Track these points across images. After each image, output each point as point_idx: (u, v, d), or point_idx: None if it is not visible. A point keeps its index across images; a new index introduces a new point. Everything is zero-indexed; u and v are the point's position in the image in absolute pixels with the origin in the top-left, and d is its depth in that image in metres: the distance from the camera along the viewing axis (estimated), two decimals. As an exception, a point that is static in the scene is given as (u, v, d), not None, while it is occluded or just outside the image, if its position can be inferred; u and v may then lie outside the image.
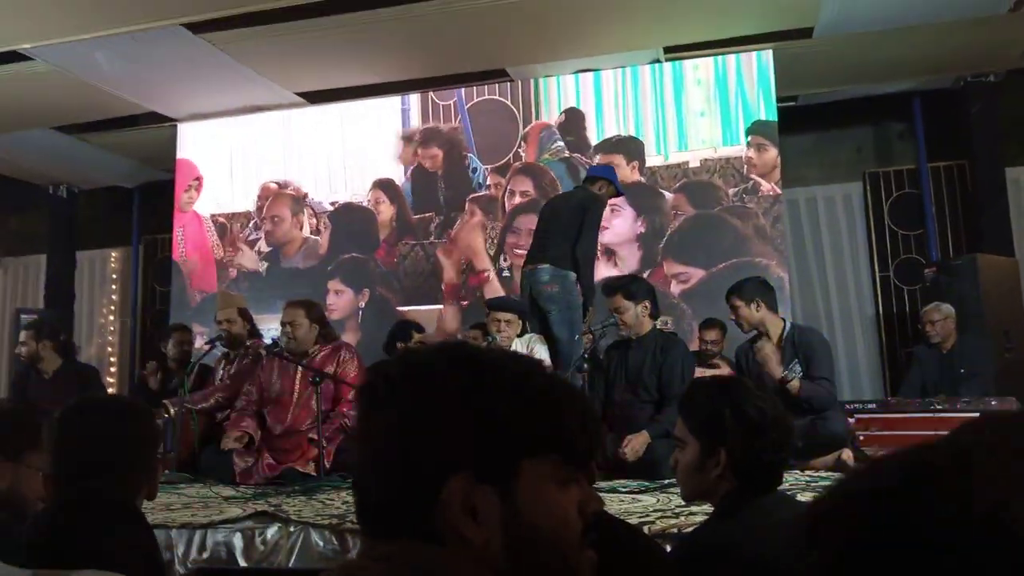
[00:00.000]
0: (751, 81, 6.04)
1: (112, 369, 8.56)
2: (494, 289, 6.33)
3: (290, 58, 5.98)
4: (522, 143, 6.49)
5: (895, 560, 0.56)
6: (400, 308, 6.56)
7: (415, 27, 5.46)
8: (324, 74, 6.36)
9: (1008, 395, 4.44)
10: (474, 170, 6.59)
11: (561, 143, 6.39)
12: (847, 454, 3.48)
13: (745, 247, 5.89)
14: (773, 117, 5.99)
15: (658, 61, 6.24)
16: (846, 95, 6.73)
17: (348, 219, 6.87)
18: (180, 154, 7.35)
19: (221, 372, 4.54)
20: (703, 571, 1.53)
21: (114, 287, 8.80)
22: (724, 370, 4.88)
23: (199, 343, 6.01)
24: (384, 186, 6.80)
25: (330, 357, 4.04)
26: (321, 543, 2.56)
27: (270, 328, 5.38)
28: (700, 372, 4.45)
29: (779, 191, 5.97)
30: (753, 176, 5.97)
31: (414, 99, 6.78)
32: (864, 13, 5.29)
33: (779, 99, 6.06)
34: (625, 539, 1.26)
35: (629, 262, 6.07)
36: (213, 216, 7.24)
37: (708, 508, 1.75)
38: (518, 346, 4.53)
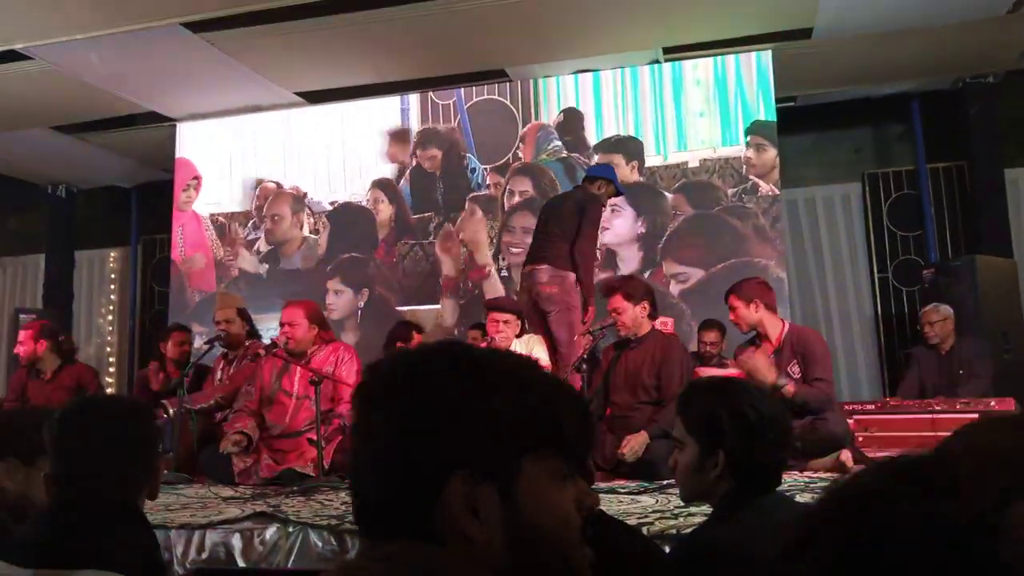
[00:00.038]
0: (750, 82, 6.04)
1: (111, 369, 8.56)
2: (494, 285, 6.34)
3: (289, 57, 5.98)
4: (520, 143, 6.49)
5: (890, 564, 0.60)
6: (399, 308, 6.56)
7: (414, 27, 5.46)
8: (323, 74, 6.35)
9: (1006, 396, 4.44)
10: (473, 170, 6.59)
11: (559, 143, 6.40)
12: (846, 455, 3.48)
13: (744, 247, 5.89)
14: (772, 117, 6.00)
15: (657, 62, 6.25)
16: (845, 96, 6.74)
17: (347, 219, 6.87)
18: (179, 153, 7.35)
19: (220, 373, 4.54)
20: (702, 572, 1.53)
21: (113, 287, 8.79)
22: (734, 371, 4.82)
23: (198, 343, 6.01)
24: (383, 186, 6.80)
25: (329, 358, 4.04)
26: (320, 543, 2.56)
27: (269, 328, 5.38)
28: (711, 372, 4.42)
29: (777, 191, 5.98)
30: (752, 176, 5.97)
31: (413, 99, 6.78)
32: (863, 14, 5.30)
33: (778, 100, 6.07)
34: (624, 540, 1.26)
35: (630, 263, 6.08)
36: (212, 216, 7.24)
37: (707, 509, 1.75)
38: (517, 347, 4.53)
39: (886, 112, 6.92)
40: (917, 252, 6.77)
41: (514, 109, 6.54)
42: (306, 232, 6.98)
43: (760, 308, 3.92)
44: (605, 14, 5.35)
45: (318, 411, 3.68)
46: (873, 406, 4.74)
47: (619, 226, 6.12)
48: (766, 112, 6.00)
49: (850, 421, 4.09)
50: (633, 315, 3.91)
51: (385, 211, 6.77)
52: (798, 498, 2.67)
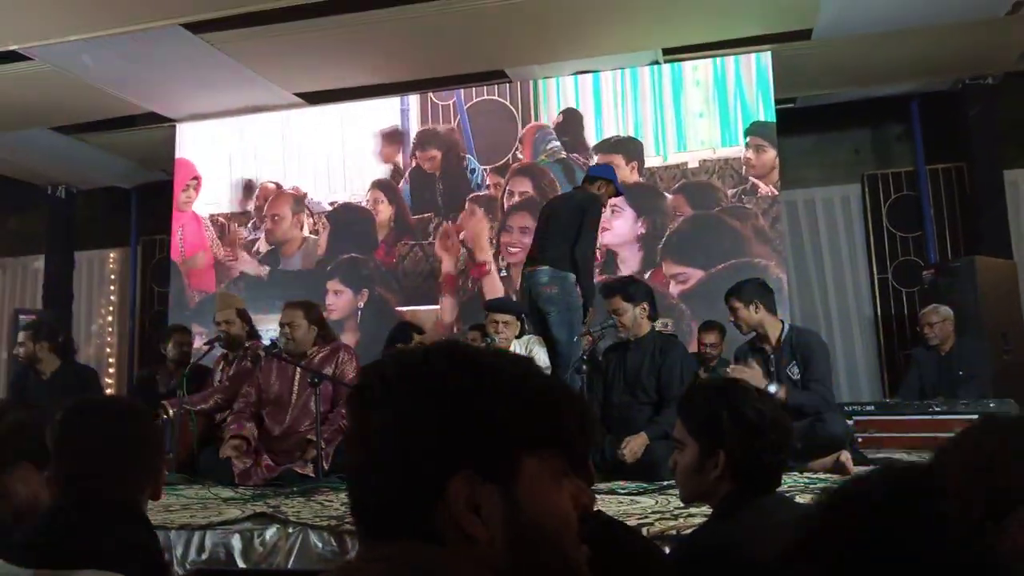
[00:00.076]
0: (750, 83, 6.05)
1: (111, 370, 8.56)
2: (493, 282, 6.36)
3: (289, 58, 5.98)
4: (519, 144, 6.50)
5: (889, 567, 0.64)
6: (399, 308, 6.57)
7: (414, 28, 5.46)
8: (323, 75, 6.36)
9: (1006, 397, 4.45)
10: (472, 171, 6.60)
11: (557, 143, 6.41)
12: (845, 456, 3.48)
13: (744, 248, 5.90)
14: (771, 118, 6.00)
15: (657, 63, 6.25)
16: (845, 97, 6.74)
17: (346, 219, 6.88)
18: (178, 154, 7.35)
19: (219, 374, 4.54)
20: (702, 573, 1.53)
21: (112, 288, 8.79)
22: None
23: (198, 343, 6.01)
24: (383, 186, 6.81)
25: (328, 358, 4.04)
26: (320, 544, 2.56)
27: (269, 329, 5.38)
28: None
29: (777, 192, 5.98)
30: (752, 177, 5.98)
31: (413, 99, 6.78)
32: (863, 15, 5.30)
33: (778, 101, 6.07)
34: (623, 541, 1.26)
35: (630, 263, 6.09)
36: (212, 216, 7.24)
37: (707, 510, 1.75)
38: (516, 348, 4.54)
39: (886, 113, 6.93)
40: (917, 253, 6.77)
41: (514, 110, 6.55)
42: (306, 232, 6.99)
43: (760, 309, 3.92)
44: (605, 15, 5.35)
45: (318, 412, 3.68)
46: (873, 407, 4.76)
47: (619, 227, 6.13)
48: (766, 113, 6.01)
49: (850, 422, 4.10)
50: (633, 316, 3.91)
51: (385, 212, 6.78)
52: (798, 499, 2.67)
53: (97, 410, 1.63)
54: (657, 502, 2.93)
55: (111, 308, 8.76)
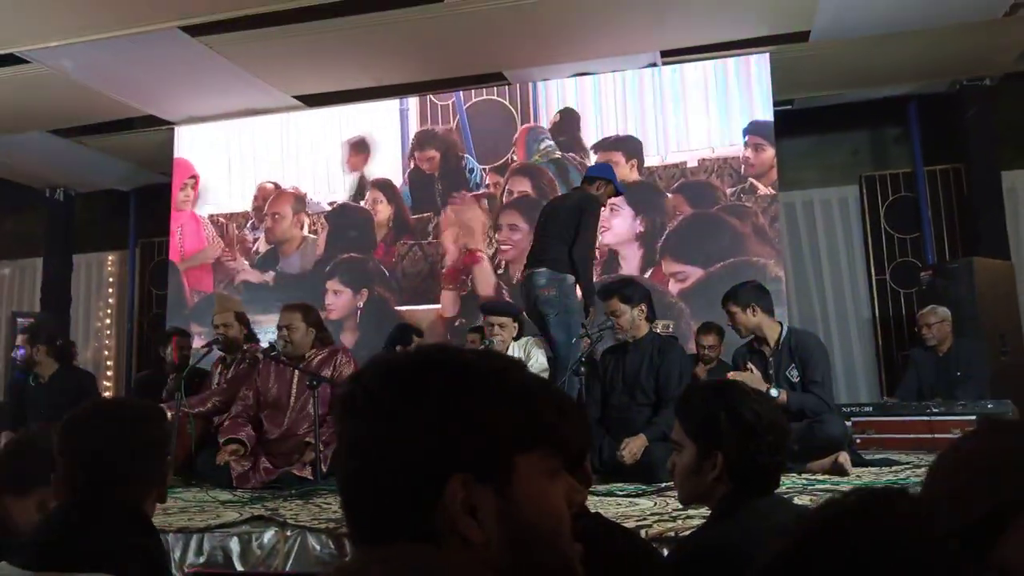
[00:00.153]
0: (748, 83, 6.06)
1: (109, 373, 8.55)
2: (485, 273, 6.38)
3: (287, 61, 5.99)
4: (514, 145, 6.52)
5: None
6: (398, 308, 6.58)
7: (412, 31, 5.47)
8: (321, 77, 6.36)
9: (1003, 398, 4.46)
10: (471, 170, 6.62)
11: (551, 143, 6.42)
12: (844, 457, 3.48)
13: (743, 246, 5.92)
14: (769, 117, 6.02)
15: (655, 65, 6.26)
16: (842, 99, 6.75)
17: (345, 219, 6.88)
18: (177, 154, 7.36)
19: (218, 376, 4.54)
20: (701, 574, 1.53)
21: (110, 290, 8.79)
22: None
23: (197, 343, 6.02)
24: (382, 186, 6.82)
25: (327, 361, 4.04)
26: (318, 547, 2.56)
27: (267, 331, 5.38)
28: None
29: (775, 191, 6.00)
30: (751, 175, 6.00)
31: (412, 99, 6.79)
32: (860, 17, 5.31)
33: (776, 103, 6.08)
34: (621, 543, 1.26)
35: (630, 262, 6.10)
36: (211, 216, 7.25)
37: (705, 511, 1.75)
38: (515, 350, 4.54)
39: (883, 115, 6.94)
40: (915, 254, 6.78)
41: (513, 109, 6.56)
42: (305, 232, 7.00)
43: (758, 312, 3.93)
44: (602, 17, 5.36)
45: (316, 415, 3.68)
46: (871, 408, 4.76)
47: (618, 225, 6.15)
48: (764, 113, 6.02)
49: (848, 423, 4.10)
50: (631, 317, 3.91)
51: (384, 211, 6.79)
52: (796, 500, 2.68)
53: (103, 413, 1.63)
54: (655, 504, 2.93)
55: (109, 311, 8.75)
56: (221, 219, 7.22)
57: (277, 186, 7.10)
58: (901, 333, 6.65)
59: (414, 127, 6.79)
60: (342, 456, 0.77)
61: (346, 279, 6.77)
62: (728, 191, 6.02)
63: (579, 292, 4.53)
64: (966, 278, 5.54)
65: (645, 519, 2.52)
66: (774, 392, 3.69)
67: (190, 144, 7.33)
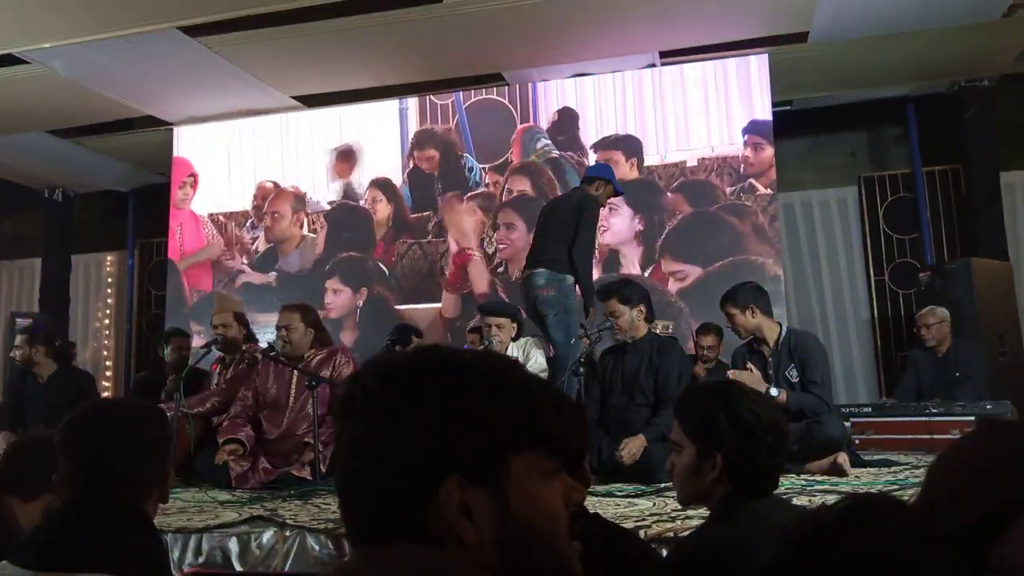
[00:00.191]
0: (747, 84, 6.07)
1: (108, 373, 8.55)
2: (479, 269, 6.40)
3: (286, 62, 5.99)
4: (511, 145, 6.53)
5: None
6: (398, 307, 6.58)
7: (411, 32, 5.47)
8: (320, 78, 6.36)
9: (1002, 398, 4.46)
10: (470, 169, 6.62)
11: (548, 142, 6.43)
12: (843, 458, 3.48)
13: (742, 245, 5.93)
14: (768, 116, 6.02)
15: (653, 65, 6.27)
16: (841, 100, 6.76)
17: (344, 218, 6.88)
18: (176, 153, 7.36)
19: (217, 376, 4.53)
20: (700, 574, 1.53)
21: (109, 291, 8.79)
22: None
23: (196, 342, 6.02)
24: (381, 185, 6.82)
25: (326, 361, 4.03)
26: (317, 547, 2.55)
27: (266, 331, 5.38)
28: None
29: (774, 191, 6.01)
30: (750, 174, 6.02)
31: (412, 99, 6.80)
32: (859, 18, 5.32)
33: (774, 103, 6.09)
34: (620, 543, 1.26)
35: (630, 261, 6.11)
36: (211, 215, 7.25)
37: (704, 512, 1.75)
38: (513, 350, 4.54)
39: (882, 116, 6.94)
40: (913, 255, 6.79)
41: (512, 108, 6.57)
42: (305, 231, 7.00)
43: (757, 313, 3.93)
44: (602, 19, 5.36)
45: (315, 415, 3.68)
46: (870, 408, 4.76)
47: (617, 225, 6.16)
48: (763, 112, 6.03)
49: (847, 424, 4.11)
50: (630, 318, 3.91)
51: (383, 210, 6.79)
52: (795, 501, 2.68)
53: (102, 413, 1.63)
54: (654, 504, 2.93)
55: (108, 311, 8.75)
56: (221, 218, 7.22)
57: (276, 185, 7.11)
58: (900, 334, 6.66)
59: (413, 126, 6.79)
60: (341, 456, 0.77)
61: (345, 278, 6.78)
62: (728, 190, 6.03)
63: (579, 292, 4.54)
64: (965, 279, 5.54)
65: (644, 519, 2.52)
66: (774, 391, 3.69)
67: (189, 143, 7.34)
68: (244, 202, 7.17)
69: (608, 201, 5.03)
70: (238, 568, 2.57)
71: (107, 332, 8.70)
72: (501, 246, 6.39)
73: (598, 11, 5.24)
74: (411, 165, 6.76)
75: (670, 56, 6.16)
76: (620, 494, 3.21)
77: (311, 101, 6.83)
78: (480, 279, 6.40)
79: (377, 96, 6.69)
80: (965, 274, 5.56)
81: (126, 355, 8.54)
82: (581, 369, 3.88)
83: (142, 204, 8.57)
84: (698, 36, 5.81)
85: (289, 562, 2.55)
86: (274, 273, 6.99)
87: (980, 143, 6.40)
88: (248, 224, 7.14)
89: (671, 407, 3.13)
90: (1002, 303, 5.68)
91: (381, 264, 6.72)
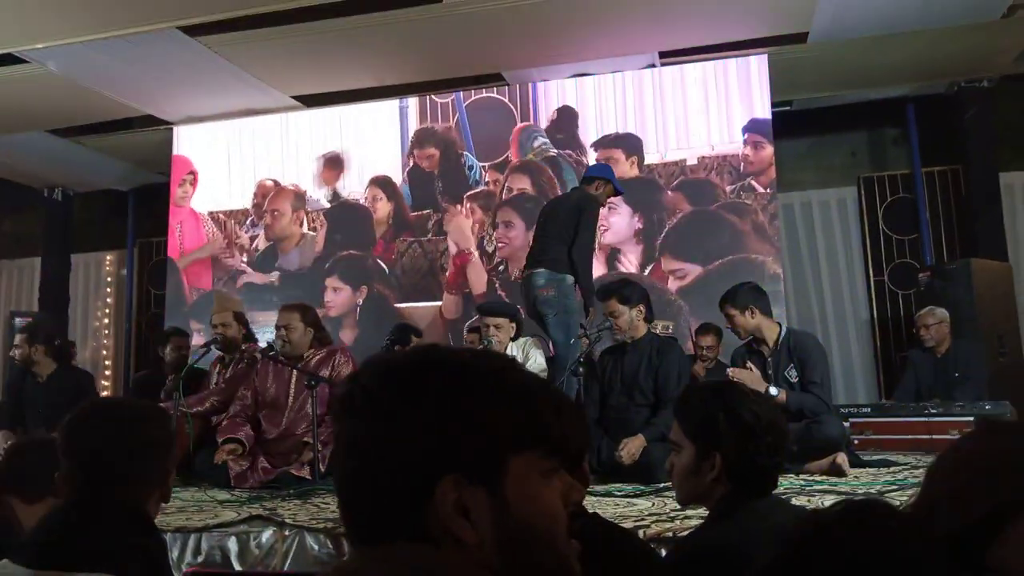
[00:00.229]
0: (747, 84, 6.08)
1: (107, 372, 8.54)
2: (476, 269, 6.40)
3: (286, 61, 5.98)
4: (510, 144, 6.54)
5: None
6: (398, 305, 6.58)
7: (411, 31, 5.47)
8: (320, 78, 6.36)
9: (1001, 399, 4.47)
10: (470, 167, 6.62)
11: (546, 141, 6.43)
12: (842, 458, 3.49)
13: (742, 243, 5.93)
14: (767, 115, 6.03)
15: (653, 66, 6.27)
16: (841, 100, 6.76)
17: (344, 217, 6.89)
18: (176, 151, 7.36)
19: (216, 376, 4.53)
20: (699, 574, 1.53)
21: (109, 290, 8.78)
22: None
23: (196, 340, 6.01)
24: (381, 183, 6.82)
25: (325, 361, 4.03)
26: (316, 547, 2.55)
27: (266, 330, 5.38)
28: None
29: (773, 190, 6.01)
30: (750, 173, 6.02)
31: (412, 97, 6.79)
32: (859, 18, 5.32)
33: (774, 104, 6.09)
34: (619, 543, 1.26)
35: (630, 259, 6.11)
36: (211, 213, 7.25)
37: (703, 512, 1.75)
38: (513, 350, 4.53)
39: (882, 116, 6.94)
40: (913, 255, 6.79)
41: (512, 107, 6.57)
42: (305, 229, 7.00)
43: (756, 314, 3.93)
44: (602, 18, 5.36)
45: (314, 414, 3.67)
46: (869, 409, 4.76)
47: (617, 224, 6.16)
48: (763, 111, 6.03)
49: (847, 424, 4.10)
50: (629, 318, 3.90)
51: (383, 208, 6.79)
52: (794, 501, 2.68)
53: (102, 413, 1.63)
54: (654, 504, 2.93)
55: (107, 311, 8.75)
56: (221, 216, 7.22)
57: (277, 183, 7.11)
58: (899, 334, 6.66)
59: (414, 125, 6.79)
60: (340, 456, 0.77)
61: (345, 276, 6.78)
62: (727, 188, 6.03)
63: (579, 292, 4.54)
64: (964, 279, 5.54)
65: (643, 519, 2.52)
66: (773, 391, 3.69)
67: (189, 142, 7.34)
68: (244, 200, 7.17)
69: (608, 200, 5.03)
70: (237, 567, 2.57)
71: (106, 331, 8.70)
72: (500, 244, 6.39)
73: (598, 11, 5.24)
74: (411, 163, 6.76)
75: (670, 56, 6.16)
76: (619, 494, 3.21)
77: (311, 101, 6.82)
78: (479, 280, 6.39)
79: (377, 96, 6.69)
80: (964, 275, 5.56)
81: (125, 354, 8.54)
82: (580, 369, 3.88)
83: (142, 203, 8.57)
84: (698, 36, 5.81)
85: (288, 562, 2.55)
86: (276, 272, 6.99)
87: (980, 144, 6.41)
88: (248, 222, 7.14)
89: (670, 407, 3.14)
90: (1001, 304, 5.68)
91: (381, 262, 6.72)
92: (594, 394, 3.96)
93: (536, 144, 6.45)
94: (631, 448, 3.54)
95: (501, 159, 6.55)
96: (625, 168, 6.15)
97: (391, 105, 6.83)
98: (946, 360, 5.02)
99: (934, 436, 4.25)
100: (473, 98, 6.68)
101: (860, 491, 3.05)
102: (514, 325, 4.63)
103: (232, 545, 2.59)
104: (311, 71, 6.19)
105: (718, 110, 6.13)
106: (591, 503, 2.89)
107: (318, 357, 4.04)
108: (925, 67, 6.15)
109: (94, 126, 7.12)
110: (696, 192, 6.11)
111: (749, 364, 3.94)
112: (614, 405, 3.92)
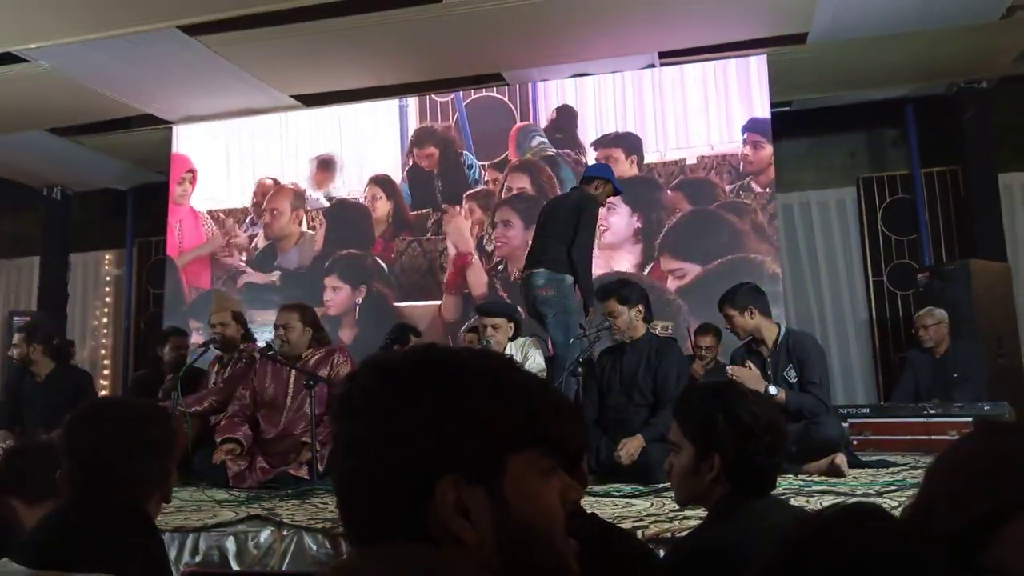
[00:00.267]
0: (746, 84, 6.08)
1: (105, 372, 8.54)
2: (476, 271, 6.39)
3: (285, 61, 5.98)
4: (509, 143, 6.54)
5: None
6: (397, 304, 6.58)
7: (410, 31, 5.47)
8: (319, 78, 6.36)
9: (1000, 399, 4.47)
10: (470, 167, 6.62)
11: (544, 140, 6.43)
12: (840, 458, 3.49)
13: (741, 243, 5.93)
14: (767, 115, 6.03)
15: (653, 66, 6.27)
16: (840, 101, 6.76)
17: (343, 216, 6.88)
18: (175, 150, 7.35)
19: (214, 375, 4.53)
20: (697, 575, 1.53)
21: (107, 289, 8.78)
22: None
23: (195, 339, 6.01)
24: (381, 182, 6.82)
25: (324, 361, 4.03)
26: (314, 547, 2.55)
27: (265, 329, 5.38)
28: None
29: (773, 189, 6.01)
30: (749, 172, 6.03)
31: (412, 97, 6.79)
32: (858, 19, 5.32)
33: (773, 104, 6.09)
34: (618, 543, 1.26)
35: (630, 259, 6.11)
36: (210, 211, 7.24)
37: (702, 512, 1.75)
38: (511, 350, 4.53)
39: (881, 117, 6.95)
40: (912, 256, 6.79)
41: (512, 106, 6.57)
42: (304, 228, 7.00)
43: (756, 315, 3.93)
44: (602, 19, 5.36)
45: (313, 414, 3.67)
46: (868, 409, 4.77)
47: (616, 223, 6.17)
48: (762, 111, 6.03)
49: (845, 424, 4.10)
50: (628, 318, 3.90)
51: (383, 208, 6.79)
52: (793, 501, 2.68)
53: (102, 413, 1.62)
54: (652, 504, 2.93)
55: (106, 310, 8.74)
56: (220, 214, 7.22)
57: (276, 182, 7.11)
58: (898, 335, 6.66)
59: (413, 124, 6.79)
60: (339, 456, 0.77)
61: (344, 275, 6.78)
62: (727, 188, 6.04)
63: (578, 292, 4.54)
64: (963, 280, 5.54)
65: (642, 520, 2.52)
66: (773, 390, 3.69)
67: (188, 141, 7.33)
68: (243, 199, 7.17)
69: (607, 200, 5.03)
70: (235, 567, 2.57)
71: (105, 331, 8.69)
72: (499, 244, 6.39)
73: (598, 11, 5.24)
74: (410, 163, 6.76)
75: (670, 57, 6.16)
76: (618, 494, 3.21)
77: (310, 100, 6.82)
78: (478, 282, 6.39)
79: (376, 96, 6.69)
80: (963, 275, 5.57)
81: (124, 354, 8.53)
82: (579, 369, 3.87)
83: (141, 203, 8.56)
84: (698, 36, 5.81)
85: (287, 561, 2.55)
86: (277, 272, 6.99)
87: (979, 144, 6.41)
88: (247, 221, 7.13)
89: (669, 407, 3.14)
90: (1000, 305, 5.68)
91: (380, 261, 6.72)
92: (593, 394, 3.96)
93: (534, 143, 6.45)
94: (630, 448, 3.54)
95: (500, 158, 6.55)
96: (624, 167, 6.15)
97: (391, 104, 6.83)
98: (945, 361, 5.02)
99: (933, 437, 4.25)
100: (473, 97, 6.68)
101: (859, 492, 3.05)
102: (512, 325, 4.63)
103: (230, 545, 2.59)
104: (310, 71, 6.19)
105: (717, 110, 6.13)
106: (590, 503, 2.89)
107: (317, 357, 4.04)
108: (924, 68, 6.15)
109: (93, 125, 7.12)
110: (695, 192, 6.11)
111: (748, 364, 3.94)
112: (613, 405, 3.91)
